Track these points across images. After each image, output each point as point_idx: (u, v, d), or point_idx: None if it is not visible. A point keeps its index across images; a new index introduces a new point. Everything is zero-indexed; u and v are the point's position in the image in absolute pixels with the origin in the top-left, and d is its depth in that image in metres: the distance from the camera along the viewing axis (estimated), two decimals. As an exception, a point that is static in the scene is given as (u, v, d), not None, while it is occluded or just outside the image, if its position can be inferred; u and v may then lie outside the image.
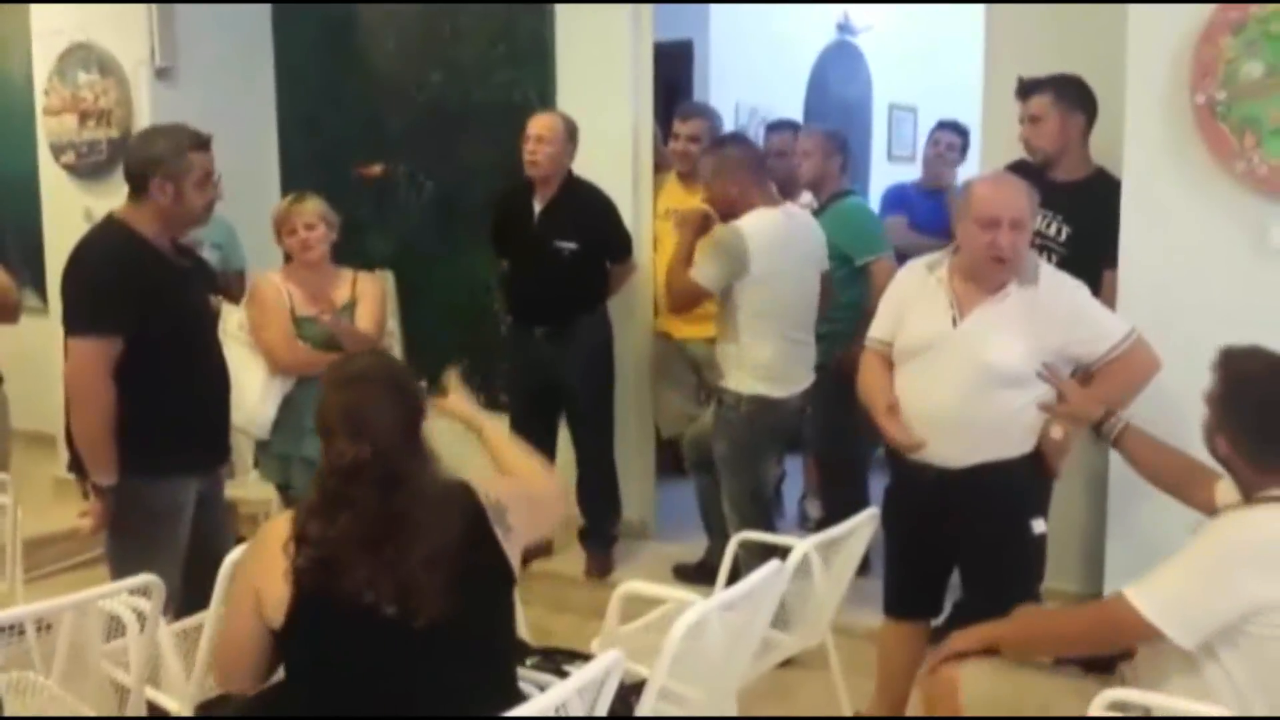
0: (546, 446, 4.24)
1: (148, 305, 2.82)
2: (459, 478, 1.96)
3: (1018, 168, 3.33)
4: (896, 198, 4.85)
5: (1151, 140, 2.90)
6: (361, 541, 1.79)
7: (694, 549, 4.55)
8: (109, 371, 2.79)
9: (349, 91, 5.17)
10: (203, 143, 2.87)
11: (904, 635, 3.02)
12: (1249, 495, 2.12)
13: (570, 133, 4.07)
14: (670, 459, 5.06)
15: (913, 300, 2.85)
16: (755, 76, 5.88)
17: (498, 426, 2.41)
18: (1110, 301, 3.11)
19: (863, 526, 2.74)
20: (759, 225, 3.52)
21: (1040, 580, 2.86)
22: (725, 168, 3.58)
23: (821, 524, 4.44)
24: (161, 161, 2.82)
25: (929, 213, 4.59)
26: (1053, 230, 3.24)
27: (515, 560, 1.91)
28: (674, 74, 5.29)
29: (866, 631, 3.29)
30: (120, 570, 2.91)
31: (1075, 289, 2.75)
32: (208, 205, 2.92)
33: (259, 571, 1.87)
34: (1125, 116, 2.94)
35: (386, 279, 5.00)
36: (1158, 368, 2.71)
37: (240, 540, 4.40)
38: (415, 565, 1.77)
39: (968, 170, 4.77)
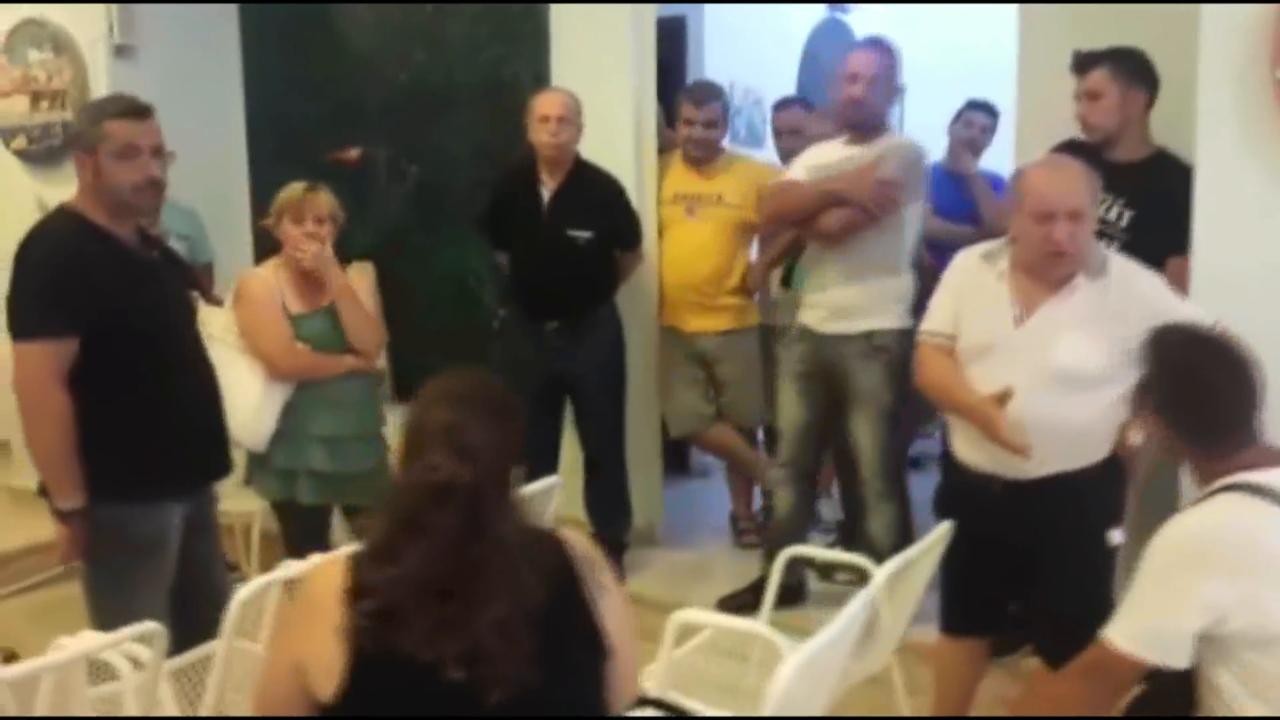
0: (552, 448, 4.00)
1: (106, 302, 2.51)
2: (546, 526, 1.69)
3: (1070, 147, 3.10)
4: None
5: (1226, 119, 2.68)
6: (426, 586, 1.51)
7: (703, 555, 4.34)
8: (61, 378, 2.47)
9: (323, 70, 4.84)
10: (131, 111, 2.52)
11: (963, 653, 2.81)
12: (1200, 481, 2.04)
13: (581, 112, 3.80)
14: (673, 459, 4.82)
15: (970, 295, 2.63)
16: (749, 54, 5.63)
17: None
18: (1177, 291, 2.92)
19: (936, 545, 2.50)
20: None
21: (1112, 592, 2.66)
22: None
23: (841, 527, 4.27)
24: (79, 135, 2.52)
25: (953, 197, 4.36)
26: (1113, 215, 3.03)
27: (612, 625, 1.64)
28: (667, 51, 5.00)
29: (916, 647, 3.08)
30: (100, 606, 2.62)
31: (1150, 280, 2.55)
32: (142, 185, 2.53)
33: (303, 633, 1.58)
34: (1197, 93, 2.71)
35: (366, 273, 4.70)
36: None
37: (230, 566, 4.15)
38: (485, 628, 1.50)
39: (992, 156, 4.55)
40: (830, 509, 4.48)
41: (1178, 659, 1.92)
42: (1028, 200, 2.47)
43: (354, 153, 4.79)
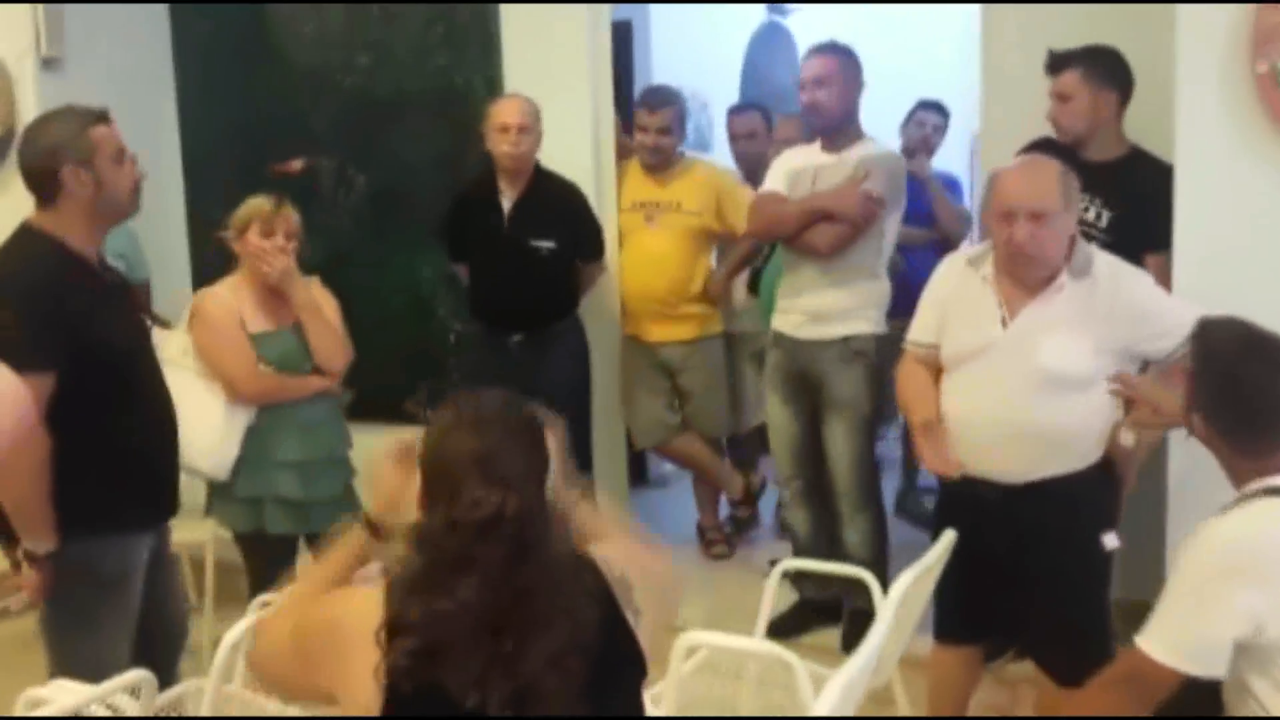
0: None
1: (84, 332, 2.40)
2: (580, 548, 1.59)
3: (1044, 145, 3.11)
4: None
5: (1206, 113, 2.69)
6: (479, 625, 1.42)
7: (674, 568, 4.25)
8: (41, 415, 2.31)
9: (262, 80, 4.67)
10: (104, 116, 2.50)
11: (958, 661, 2.78)
12: (1234, 481, 2.03)
13: (540, 119, 3.71)
14: (631, 469, 4.74)
15: (956, 300, 2.62)
16: (695, 59, 5.58)
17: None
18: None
19: (942, 558, 2.46)
20: None
21: (1108, 596, 2.65)
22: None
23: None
24: (65, 147, 2.41)
25: (911, 199, 4.35)
26: (1091, 215, 3.03)
27: (647, 651, 1.56)
28: (614, 57, 4.93)
29: (911, 658, 3.05)
30: (62, 647, 2.49)
31: (1138, 277, 2.54)
32: (134, 188, 2.53)
33: (337, 673, 1.48)
34: (1176, 88, 2.72)
35: (312, 288, 4.54)
36: None
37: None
38: (540, 663, 1.41)
39: (943, 156, 4.56)
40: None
41: (1217, 669, 1.90)
42: (994, 200, 2.48)
43: (297, 164, 4.63)
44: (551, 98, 3.94)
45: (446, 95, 4.31)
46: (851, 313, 3.42)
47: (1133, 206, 2.97)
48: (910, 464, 4.65)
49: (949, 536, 2.45)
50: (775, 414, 3.65)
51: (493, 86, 4.17)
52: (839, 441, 3.47)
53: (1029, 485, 2.49)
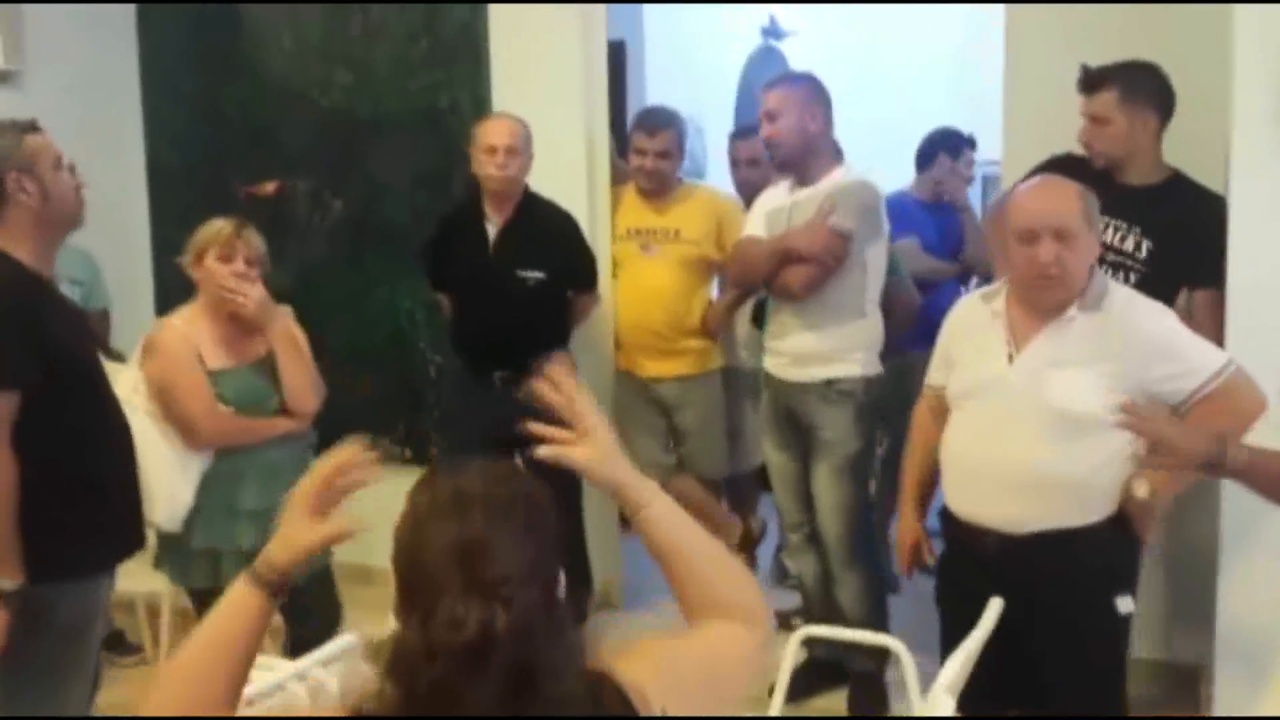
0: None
1: (46, 352, 2.23)
2: (596, 666, 1.27)
3: (1072, 164, 2.88)
4: (899, 213, 4.13)
5: (1263, 138, 2.48)
6: None
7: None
8: (9, 439, 2.16)
9: (234, 97, 4.42)
10: (33, 126, 2.37)
11: None
12: None
13: (530, 141, 3.47)
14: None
15: (965, 337, 2.47)
16: (690, 82, 5.37)
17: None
18: (1204, 327, 2.69)
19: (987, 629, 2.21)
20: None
21: (1125, 666, 2.42)
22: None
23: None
24: (5, 156, 2.25)
25: (938, 231, 4.14)
26: (1129, 245, 2.80)
27: None
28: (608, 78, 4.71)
29: None
30: (20, 701, 2.27)
31: (1157, 313, 2.33)
32: (78, 194, 2.40)
33: None
34: (1233, 110, 2.51)
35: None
36: (1264, 408, 2.25)
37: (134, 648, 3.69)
38: None
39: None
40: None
41: None
42: (1013, 220, 2.29)
43: (270, 186, 4.37)
44: (543, 118, 3.71)
45: (430, 115, 4.08)
46: (835, 354, 3.22)
47: (1176, 237, 2.75)
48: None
49: (996, 606, 2.19)
50: (773, 457, 3.43)
51: (480, 105, 3.94)
52: (824, 487, 3.26)
53: (1031, 538, 2.29)
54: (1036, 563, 2.29)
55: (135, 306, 4.42)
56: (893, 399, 3.33)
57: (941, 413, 2.50)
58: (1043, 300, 2.29)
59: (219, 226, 2.89)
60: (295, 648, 2.86)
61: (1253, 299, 2.50)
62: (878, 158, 4.31)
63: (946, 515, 2.49)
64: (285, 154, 4.34)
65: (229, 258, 2.84)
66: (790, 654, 2.54)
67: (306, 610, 2.91)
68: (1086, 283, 2.28)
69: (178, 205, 4.53)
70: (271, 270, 4.27)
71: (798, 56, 6.45)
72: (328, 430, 4.24)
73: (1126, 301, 2.32)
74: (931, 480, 2.60)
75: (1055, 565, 2.29)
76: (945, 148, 4.32)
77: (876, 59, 6.05)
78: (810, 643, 3.41)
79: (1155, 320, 2.30)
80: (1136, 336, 2.26)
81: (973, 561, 2.39)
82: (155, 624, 3.68)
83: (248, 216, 4.27)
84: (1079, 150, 2.95)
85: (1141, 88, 2.79)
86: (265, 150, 4.37)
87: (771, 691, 3.28)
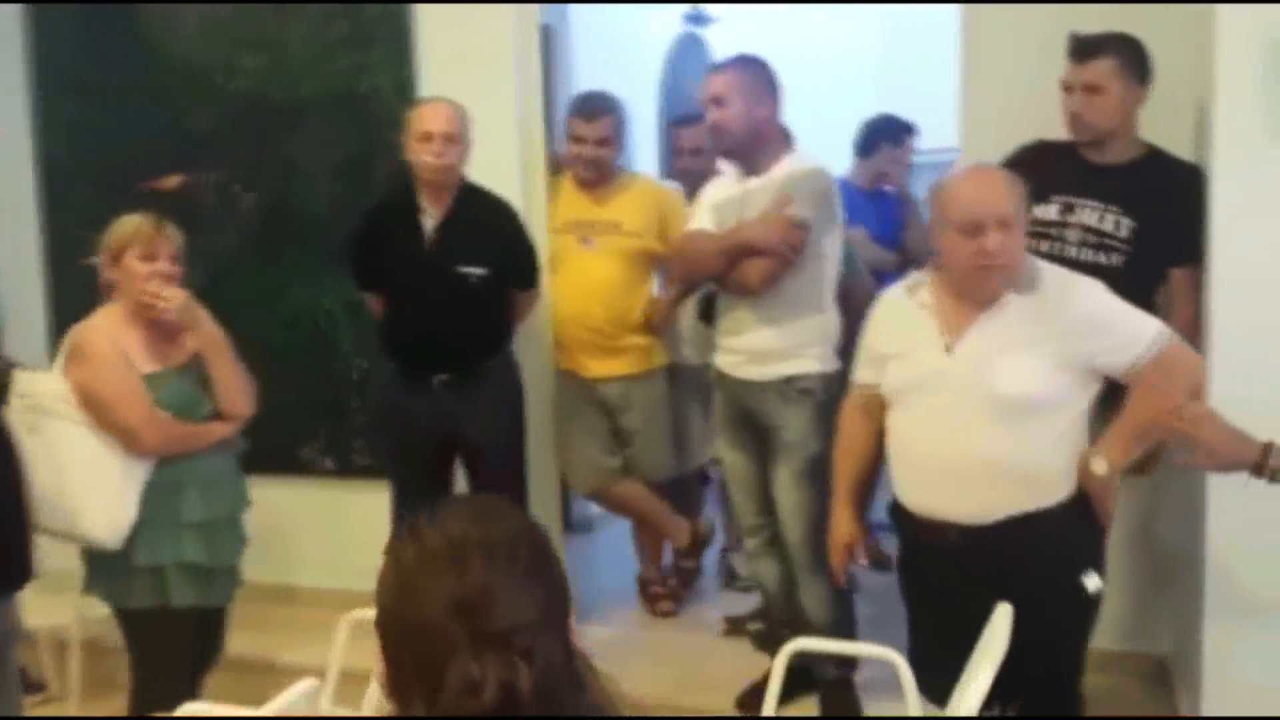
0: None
1: None
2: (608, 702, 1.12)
3: (1038, 150, 2.84)
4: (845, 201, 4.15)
5: (1250, 113, 2.40)
6: None
7: (618, 629, 3.84)
8: None
9: (133, 82, 4.09)
10: None
11: None
12: None
13: (469, 127, 3.24)
14: (566, 517, 4.29)
15: (894, 333, 2.41)
16: (620, 68, 5.18)
17: None
18: (1183, 305, 2.64)
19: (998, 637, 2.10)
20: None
21: (1085, 646, 2.39)
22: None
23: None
24: None
25: (878, 220, 4.04)
26: (1109, 224, 2.71)
27: None
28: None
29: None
30: None
31: (1090, 287, 2.30)
32: None
33: None
34: (1216, 84, 2.42)
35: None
36: (1202, 366, 2.31)
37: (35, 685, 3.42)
38: None
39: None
40: (742, 563, 4.04)
41: None
42: (952, 213, 2.24)
43: (174, 179, 4.06)
44: (473, 104, 3.47)
45: (350, 100, 3.83)
46: (793, 351, 3.08)
47: (1156, 214, 2.68)
48: (864, 496, 4.30)
49: (1005, 612, 2.07)
50: (729, 458, 3.27)
51: (404, 91, 3.70)
52: (784, 489, 3.12)
53: (996, 525, 2.25)
54: (1000, 551, 2.26)
55: (25, 313, 4.09)
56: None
57: (871, 411, 2.48)
58: (987, 289, 2.25)
59: (137, 223, 2.69)
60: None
61: (1237, 292, 2.43)
62: (806, 145, 4.20)
63: (900, 511, 2.42)
64: (191, 144, 4.03)
65: (151, 256, 2.66)
66: (780, 667, 2.41)
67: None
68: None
69: (72, 202, 4.20)
70: (185, 268, 4.03)
71: (722, 44, 6.33)
72: (247, 439, 4.00)
73: (1061, 280, 2.31)
74: (865, 479, 2.58)
75: (1019, 551, 2.25)
76: (887, 136, 4.22)
77: (801, 46, 5.94)
78: (768, 648, 3.28)
79: (1091, 296, 2.29)
80: (1075, 314, 2.24)
81: (934, 555, 2.37)
82: (63, 660, 3.44)
83: (151, 211, 4.02)
84: (1044, 137, 2.87)
85: (1134, 59, 2.71)
86: (169, 141, 4.06)
87: (739, 704, 3.18)
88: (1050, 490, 2.26)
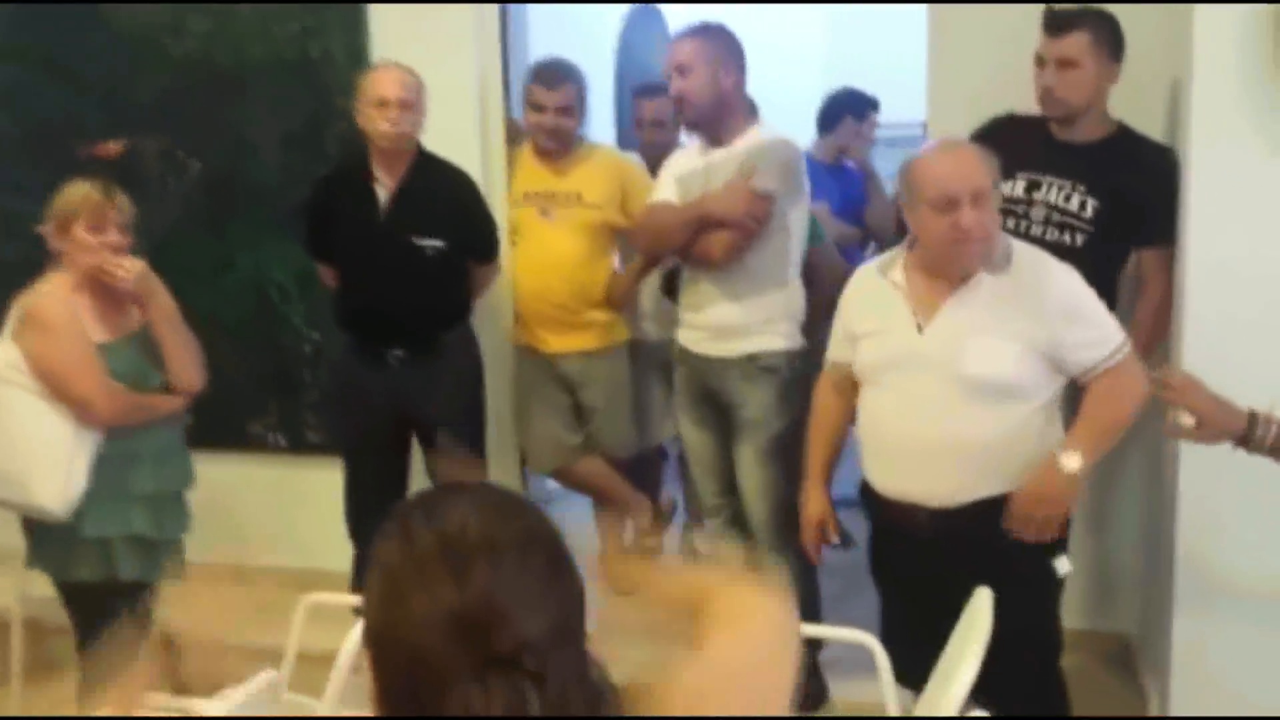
0: (396, 495, 3.32)
1: None
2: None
3: (1006, 124, 2.82)
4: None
5: (1226, 95, 2.37)
6: None
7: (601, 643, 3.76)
8: None
9: (72, 47, 3.91)
10: None
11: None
12: None
13: (424, 93, 3.14)
14: (523, 490, 4.20)
15: (866, 311, 2.37)
16: (574, 39, 5.06)
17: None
18: (1153, 287, 2.62)
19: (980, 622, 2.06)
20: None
21: (1058, 625, 2.40)
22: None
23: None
24: None
25: (840, 196, 3.99)
26: (1074, 204, 2.67)
27: None
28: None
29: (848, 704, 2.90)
30: None
31: (1066, 274, 2.27)
32: None
33: None
34: (1193, 64, 2.39)
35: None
36: (1144, 394, 2.24)
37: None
38: None
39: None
40: (703, 540, 3.99)
41: None
42: (926, 189, 2.19)
43: (115, 145, 3.90)
44: (429, 70, 3.37)
45: (300, 65, 3.69)
46: (757, 327, 3.03)
47: (1124, 194, 2.65)
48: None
49: (985, 597, 2.04)
50: (690, 436, 3.22)
51: (357, 55, 3.58)
52: (747, 469, 3.07)
53: (966, 507, 2.24)
54: (971, 533, 2.23)
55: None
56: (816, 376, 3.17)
57: (845, 389, 2.45)
58: (962, 266, 2.21)
59: (85, 191, 2.62)
60: None
61: (1211, 278, 2.41)
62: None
63: (869, 493, 2.39)
64: (134, 110, 3.87)
65: (100, 227, 2.60)
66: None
67: None
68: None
69: (8, 169, 4.02)
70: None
71: (676, 17, 6.23)
72: (196, 412, 3.88)
73: (1035, 261, 2.27)
74: (835, 456, 2.57)
75: (990, 534, 2.23)
76: (850, 110, 4.17)
77: (756, 19, 5.87)
78: None
79: (1066, 281, 2.26)
80: (1049, 297, 2.21)
81: (904, 538, 2.34)
82: (5, 643, 3.31)
83: (90, 177, 3.87)
84: (1013, 110, 2.84)
85: (1109, 35, 2.66)
86: (112, 104, 3.89)
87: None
88: (1021, 473, 2.22)
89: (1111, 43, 2.66)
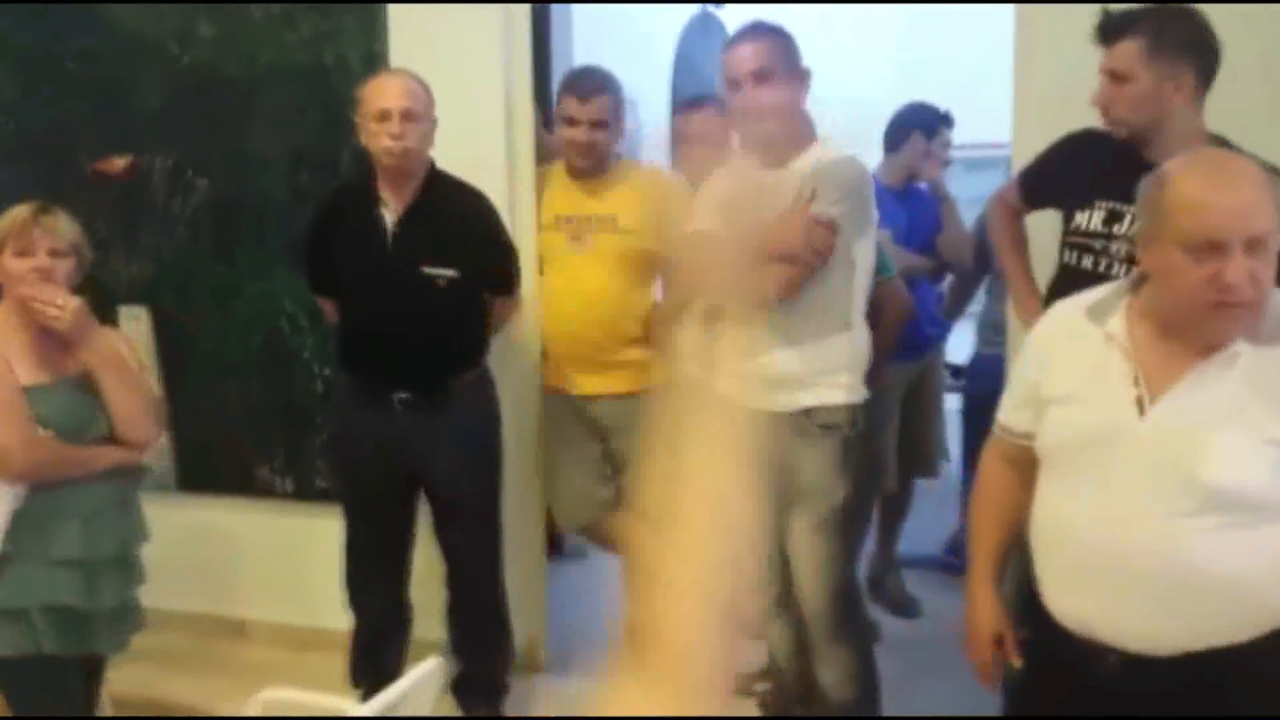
0: (399, 557, 2.99)
1: None
2: None
3: (1087, 142, 2.39)
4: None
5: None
6: None
7: (601, 683, 3.36)
8: None
9: (74, 55, 3.64)
10: None
11: None
12: None
13: (432, 103, 2.79)
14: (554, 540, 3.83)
15: (1064, 368, 1.79)
16: (624, 50, 4.71)
17: None
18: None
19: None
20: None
21: None
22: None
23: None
24: None
25: (908, 222, 3.56)
26: None
27: None
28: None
29: None
30: None
31: None
32: None
33: None
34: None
35: (139, 320, 3.56)
36: None
37: None
38: None
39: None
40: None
41: None
42: (1181, 223, 1.60)
43: (120, 161, 3.62)
44: (453, 80, 3.06)
45: (314, 74, 3.37)
46: (816, 377, 2.61)
47: None
48: (888, 528, 3.83)
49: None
50: None
51: (374, 64, 3.25)
52: (802, 542, 2.65)
53: (1179, 659, 1.66)
54: (1181, 694, 1.67)
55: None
56: (880, 434, 2.76)
57: (1023, 464, 1.87)
58: (1220, 332, 1.64)
59: (14, 213, 2.34)
60: None
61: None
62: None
63: (1037, 611, 1.82)
64: (139, 121, 3.58)
65: (27, 251, 2.30)
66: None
67: None
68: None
69: (10, 184, 3.75)
70: (120, 263, 3.59)
71: (739, 25, 5.87)
72: (189, 457, 3.58)
73: None
74: (1008, 548, 1.99)
75: (1209, 697, 1.67)
76: (919, 126, 3.74)
77: (823, 28, 5.48)
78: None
79: None
80: None
81: (1079, 686, 1.75)
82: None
83: (94, 199, 3.60)
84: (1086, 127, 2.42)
85: (1172, 36, 2.21)
86: (116, 117, 3.61)
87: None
88: (1262, 619, 1.66)
89: (1179, 44, 2.21)
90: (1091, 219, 2.35)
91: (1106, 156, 2.33)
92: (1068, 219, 2.43)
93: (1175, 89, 2.23)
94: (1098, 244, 2.33)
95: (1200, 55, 2.24)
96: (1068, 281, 2.27)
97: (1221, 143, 2.25)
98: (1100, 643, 1.70)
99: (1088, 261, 2.33)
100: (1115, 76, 2.25)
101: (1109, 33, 2.25)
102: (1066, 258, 2.41)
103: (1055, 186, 2.48)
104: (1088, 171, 2.29)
